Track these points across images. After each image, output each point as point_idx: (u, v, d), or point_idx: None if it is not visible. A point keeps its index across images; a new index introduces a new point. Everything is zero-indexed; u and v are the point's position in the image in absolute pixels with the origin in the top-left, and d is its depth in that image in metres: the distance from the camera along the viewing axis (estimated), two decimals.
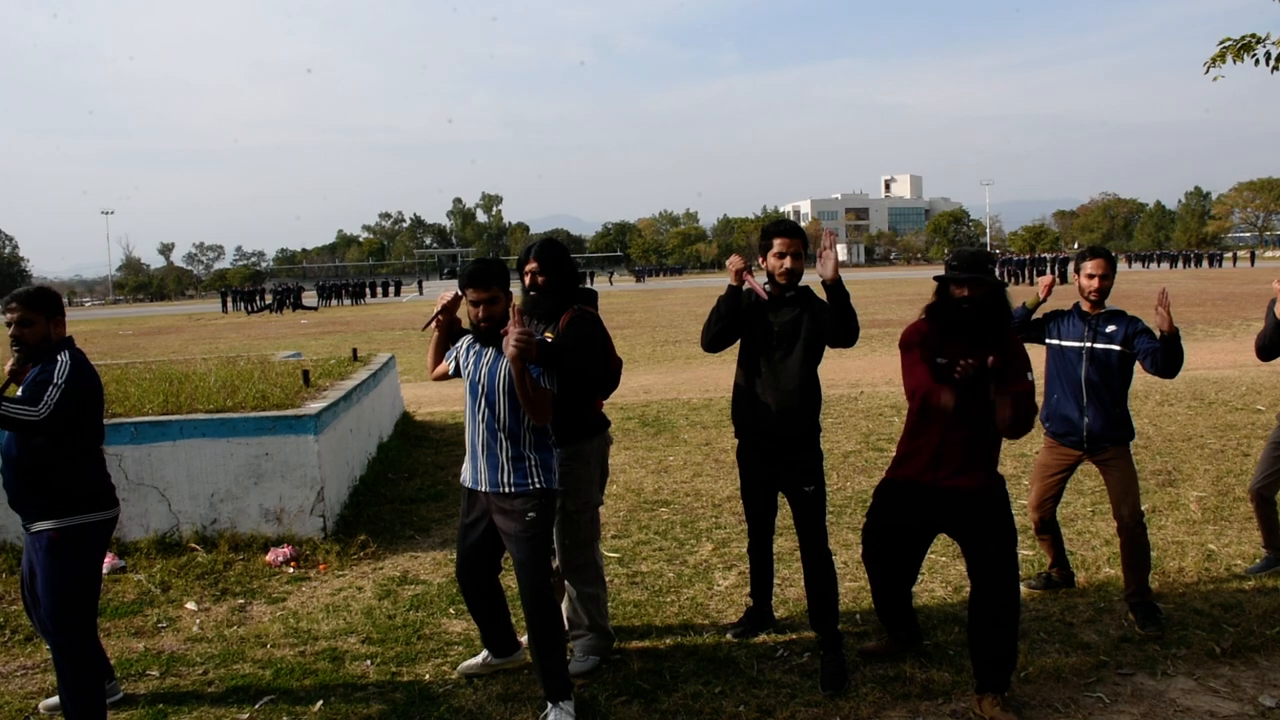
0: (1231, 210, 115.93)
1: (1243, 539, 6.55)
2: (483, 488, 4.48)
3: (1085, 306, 5.37)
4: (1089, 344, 5.29)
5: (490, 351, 4.46)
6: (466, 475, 4.58)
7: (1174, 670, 4.67)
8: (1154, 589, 5.46)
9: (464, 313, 4.62)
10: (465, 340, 4.64)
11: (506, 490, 4.41)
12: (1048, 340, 5.49)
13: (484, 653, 4.94)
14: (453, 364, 4.67)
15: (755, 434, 4.87)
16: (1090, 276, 5.32)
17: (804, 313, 4.74)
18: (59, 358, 4.22)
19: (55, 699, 4.44)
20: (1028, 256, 55.89)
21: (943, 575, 6.05)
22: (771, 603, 5.41)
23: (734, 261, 4.85)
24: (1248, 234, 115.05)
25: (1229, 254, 79.52)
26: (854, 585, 5.94)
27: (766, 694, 4.55)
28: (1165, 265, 73.64)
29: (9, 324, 4.24)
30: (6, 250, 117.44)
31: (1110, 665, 4.74)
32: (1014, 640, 4.28)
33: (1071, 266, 5.69)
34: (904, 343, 4.50)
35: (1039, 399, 4.59)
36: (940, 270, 4.58)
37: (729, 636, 5.21)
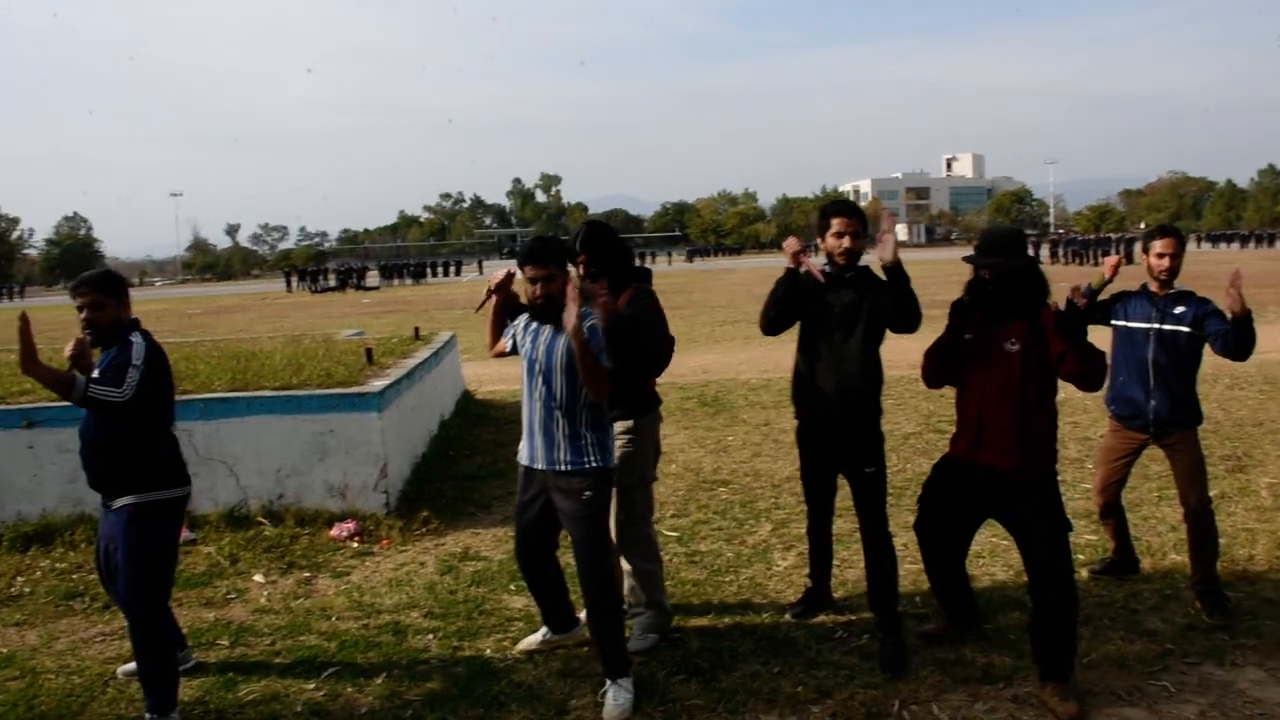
0: None
1: None
2: (539, 466, 4.49)
3: (1153, 287, 5.26)
4: (1157, 325, 5.19)
5: (548, 329, 4.47)
6: (523, 453, 4.59)
7: (1243, 660, 4.58)
8: (1223, 577, 5.36)
9: (521, 290, 4.63)
10: (522, 318, 4.65)
11: (563, 468, 4.43)
12: (1113, 321, 5.39)
13: (543, 629, 4.97)
14: (510, 341, 4.69)
15: (816, 417, 4.84)
16: (1160, 256, 5.20)
17: (865, 294, 4.68)
18: (132, 340, 4.30)
19: (133, 665, 4.58)
20: (1092, 236, 54.71)
21: (1004, 559, 5.99)
22: (830, 584, 5.40)
23: (791, 243, 4.81)
24: None
25: None
26: (914, 568, 5.90)
27: (825, 675, 4.55)
28: (1235, 245, 71.75)
29: (80, 308, 4.30)
30: (82, 232, 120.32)
31: (1176, 654, 4.67)
32: (1071, 629, 4.22)
33: (1139, 246, 5.58)
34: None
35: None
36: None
37: (787, 617, 5.21)
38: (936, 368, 4.60)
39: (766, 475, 8.29)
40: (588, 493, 4.41)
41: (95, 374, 4.24)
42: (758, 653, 4.82)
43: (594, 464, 4.44)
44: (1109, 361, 5.27)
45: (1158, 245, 5.22)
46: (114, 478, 4.31)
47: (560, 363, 4.39)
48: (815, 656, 4.75)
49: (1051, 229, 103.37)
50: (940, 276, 37.31)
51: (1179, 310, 5.17)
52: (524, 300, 4.59)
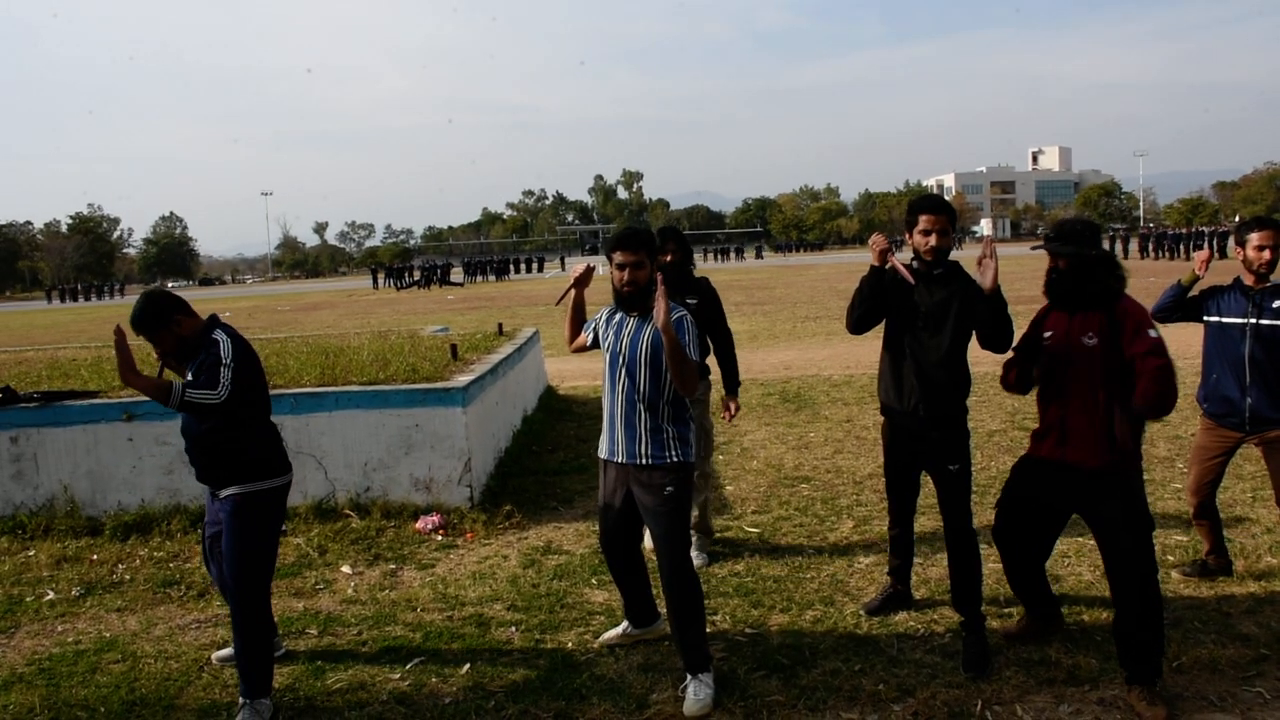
0: None
1: None
2: (620, 459, 4.50)
3: (1249, 280, 5.11)
4: (1253, 320, 5.04)
5: (632, 321, 4.48)
6: (604, 447, 4.60)
7: None
8: None
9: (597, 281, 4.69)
10: (603, 311, 4.66)
11: (644, 462, 4.44)
12: (1206, 318, 5.25)
13: (624, 623, 5.00)
14: (591, 335, 4.70)
15: (901, 414, 4.79)
16: (1259, 249, 5.03)
17: (954, 294, 4.60)
18: (217, 338, 4.39)
19: (228, 650, 4.73)
20: (1183, 230, 53.08)
21: (1090, 559, 5.88)
22: (910, 582, 5.36)
23: (877, 241, 4.73)
24: None
25: None
26: (997, 566, 5.81)
27: (907, 673, 4.52)
28: None
29: (153, 342, 4.47)
30: (177, 232, 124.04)
31: (1271, 659, 4.53)
32: (1157, 631, 4.14)
33: (1232, 240, 5.38)
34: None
35: (1196, 379, 4.47)
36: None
37: (863, 614, 5.19)
38: (1021, 373, 4.55)
39: (848, 472, 8.24)
40: (669, 488, 4.42)
41: (189, 376, 4.34)
42: (839, 650, 4.80)
43: (675, 458, 4.44)
44: (1201, 358, 5.13)
45: (1255, 238, 5.06)
46: (218, 471, 4.43)
47: (645, 355, 4.39)
48: (897, 655, 4.71)
49: (1141, 223, 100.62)
50: (1026, 272, 36.60)
51: (1277, 304, 5.01)
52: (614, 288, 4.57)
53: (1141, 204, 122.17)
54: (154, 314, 4.42)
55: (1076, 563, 5.84)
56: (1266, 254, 5.01)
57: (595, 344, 4.68)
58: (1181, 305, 5.31)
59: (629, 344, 4.44)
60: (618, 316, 4.57)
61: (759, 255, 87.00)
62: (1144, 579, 4.17)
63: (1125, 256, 49.66)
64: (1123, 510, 4.23)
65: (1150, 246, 49.75)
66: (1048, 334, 4.40)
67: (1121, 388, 4.22)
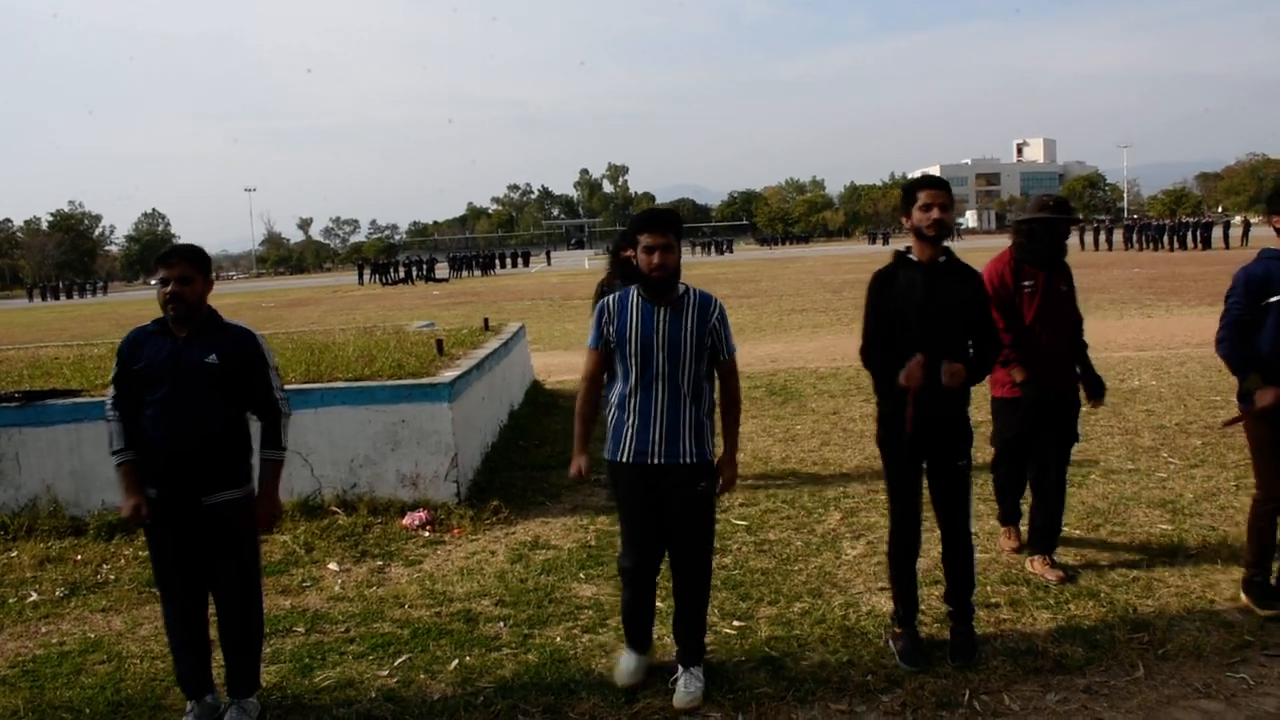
0: None
1: None
2: (658, 460, 4.22)
3: None
4: None
5: (662, 309, 4.21)
6: (629, 450, 4.27)
7: None
8: None
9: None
10: (608, 304, 4.32)
11: (689, 460, 4.23)
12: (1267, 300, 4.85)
13: (635, 655, 4.55)
14: (601, 339, 4.31)
15: (920, 419, 4.48)
16: None
17: (960, 287, 4.51)
18: (253, 332, 4.33)
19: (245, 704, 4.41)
20: (1167, 221, 53.19)
21: (1075, 549, 5.90)
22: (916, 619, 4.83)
23: (912, 379, 4.38)
24: None
25: None
26: (984, 557, 5.85)
27: (895, 664, 4.52)
28: None
29: (166, 281, 4.10)
30: (160, 228, 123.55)
31: (1255, 645, 4.56)
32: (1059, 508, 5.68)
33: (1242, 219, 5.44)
34: None
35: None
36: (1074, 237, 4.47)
37: (900, 662, 4.58)
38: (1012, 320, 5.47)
39: (835, 464, 8.25)
40: (704, 483, 4.30)
41: (213, 359, 4.10)
42: (827, 642, 4.80)
43: (712, 454, 4.33)
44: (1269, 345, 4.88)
45: None
46: (219, 472, 4.17)
47: (690, 344, 4.18)
48: (885, 645, 4.72)
49: (1125, 214, 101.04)
50: None
51: None
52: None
53: (1125, 195, 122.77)
54: (204, 256, 4.26)
55: (1063, 552, 5.86)
56: None
57: (606, 344, 4.31)
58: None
59: (667, 333, 4.17)
60: (639, 304, 4.25)
61: (726, 250, 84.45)
62: (1062, 475, 5.68)
63: (1110, 247, 49.85)
64: (1071, 425, 5.68)
65: (1135, 237, 49.96)
66: (1028, 283, 5.47)
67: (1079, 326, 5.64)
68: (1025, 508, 5.91)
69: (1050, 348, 5.50)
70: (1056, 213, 5.56)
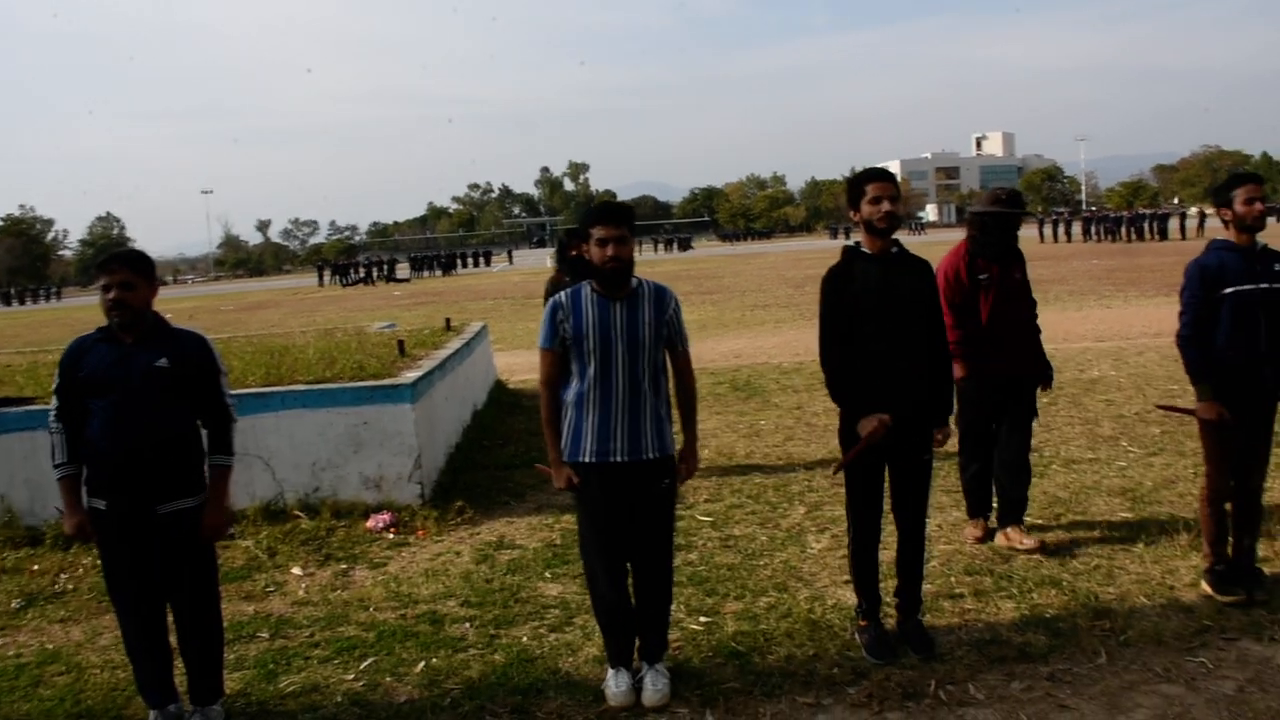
0: None
1: None
2: (621, 458, 4.17)
3: (1241, 239, 4.91)
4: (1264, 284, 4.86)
5: (618, 303, 4.16)
6: (591, 448, 4.20)
7: None
8: (1261, 552, 5.31)
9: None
10: (565, 298, 4.23)
11: (651, 456, 4.20)
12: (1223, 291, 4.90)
13: (623, 673, 4.37)
14: (556, 335, 4.22)
15: (878, 410, 4.42)
16: (1248, 202, 4.81)
17: (916, 278, 4.51)
18: (204, 336, 4.24)
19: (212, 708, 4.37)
20: (1125, 214, 53.78)
21: (1038, 538, 5.96)
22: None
23: (876, 430, 4.41)
24: None
25: None
26: (948, 548, 5.89)
27: (860, 657, 4.54)
28: (1272, 219, 70.30)
29: (108, 288, 4.00)
30: (115, 232, 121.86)
31: (1214, 630, 4.63)
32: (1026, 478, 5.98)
33: (1192, 210, 5.56)
34: None
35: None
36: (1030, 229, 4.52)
37: (867, 655, 4.59)
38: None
39: (799, 458, 8.28)
40: (667, 479, 4.30)
41: (163, 363, 4.02)
42: (793, 635, 4.82)
43: (673, 447, 4.32)
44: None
45: (1242, 192, 4.85)
46: (170, 481, 4.08)
47: (648, 336, 4.15)
48: (850, 639, 4.74)
49: (1084, 206, 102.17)
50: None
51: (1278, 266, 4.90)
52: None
53: (1084, 188, 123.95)
54: (147, 260, 4.16)
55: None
56: (1257, 206, 4.85)
57: (562, 344, 4.23)
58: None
59: (625, 327, 4.13)
60: (594, 299, 4.19)
61: (684, 247, 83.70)
62: (1025, 447, 5.94)
63: (1069, 239, 50.38)
64: (1031, 403, 5.97)
65: (1093, 229, 50.54)
66: (983, 276, 5.72)
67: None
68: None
69: (1009, 334, 5.76)
70: (1008, 206, 5.80)
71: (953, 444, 5.97)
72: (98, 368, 4.03)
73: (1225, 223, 4.94)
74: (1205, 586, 5.02)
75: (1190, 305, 4.91)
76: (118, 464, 4.00)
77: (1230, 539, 5.04)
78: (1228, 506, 5.05)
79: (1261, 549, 5.34)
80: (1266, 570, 5.16)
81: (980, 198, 6.07)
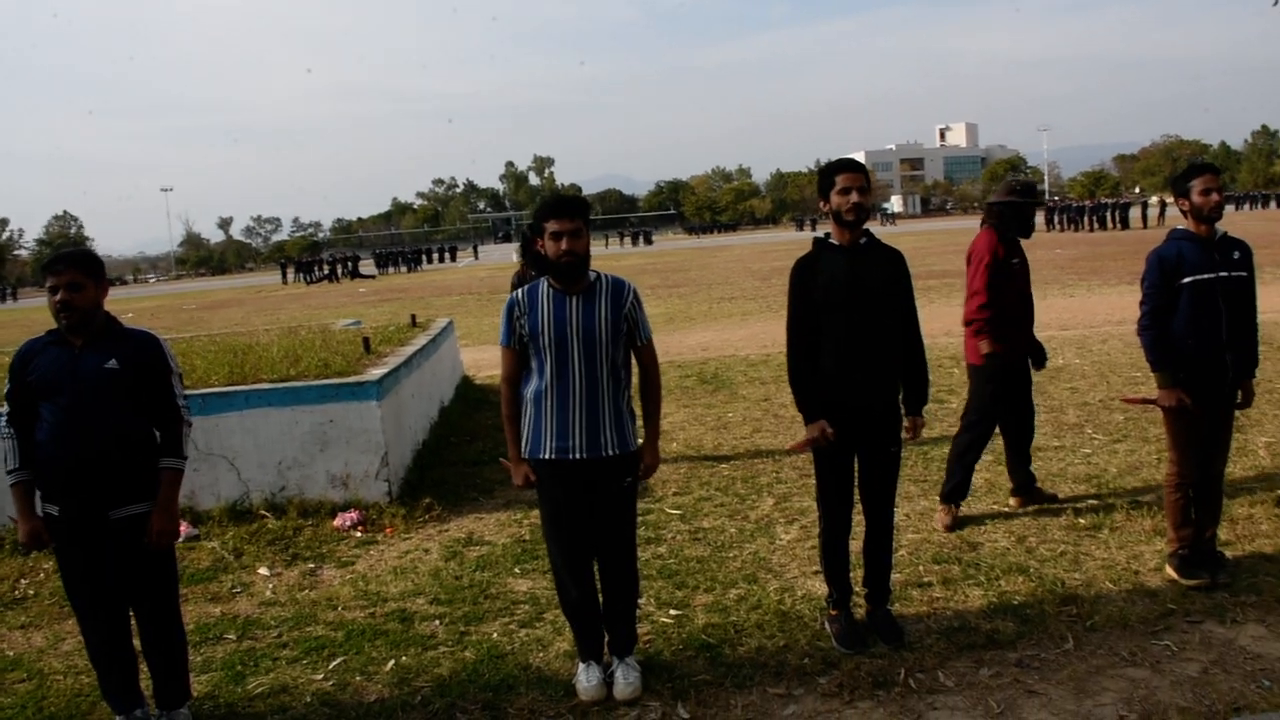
0: None
1: None
2: (580, 455, 4.14)
3: (1200, 229, 4.96)
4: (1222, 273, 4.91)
5: (573, 298, 4.12)
6: (550, 445, 4.17)
7: (1243, 618, 4.60)
8: (1223, 536, 5.38)
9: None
10: (522, 295, 4.21)
11: (611, 452, 4.17)
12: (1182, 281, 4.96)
13: (591, 666, 4.38)
14: (514, 333, 4.19)
15: (845, 403, 4.46)
16: (1205, 192, 4.87)
17: (887, 267, 4.51)
18: (157, 337, 4.16)
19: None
20: (1087, 203, 54.31)
21: (1005, 526, 6.01)
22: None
23: (816, 439, 4.48)
24: None
25: None
26: (916, 537, 5.93)
27: (830, 647, 4.56)
28: (1231, 207, 71.31)
29: (55, 289, 3.93)
30: (72, 231, 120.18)
31: (1178, 613, 4.69)
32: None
33: (1152, 201, 5.73)
34: None
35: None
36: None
37: (839, 646, 4.59)
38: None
39: (767, 450, 8.30)
40: (629, 477, 4.27)
41: (113, 364, 3.95)
42: (763, 626, 4.83)
43: (635, 445, 4.28)
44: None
45: (1199, 183, 4.89)
46: (124, 485, 4.02)
47: (605, 332, 4.11)
48: (821, 629, 4.76)
49: (1046, 196, 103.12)
50: (935, 247, 37.24)
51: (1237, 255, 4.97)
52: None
53: (1046, 178, 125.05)
54: (95, 260, 4.08)
55: (993, 530, 5.97)
56: (1214, 196, 4.90)
57: (521, 341, 4.21)
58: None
59: (581, 322, 4.09)
60: (550, 294, 4.16)
61: (645, 241, 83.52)
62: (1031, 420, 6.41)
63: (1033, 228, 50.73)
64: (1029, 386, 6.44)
65: (1056, 219, 50.99)
66: (1015, 260, 6.19)
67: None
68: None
69: (1023, 316, 6.29)
70: (1022, 196, 6.26)
71: (932, 430, 6.01)
72: (47, 371, 3.96)
73: (1183, 212, 5.00)
74: (1170, 571, 5.08)
75: (1150, 295, 4.97)
76: (69, 469, 3.94)
77: (1193, 524, 5.11)
78: (1191, 492, 5.12)
79: (1223, 533, 5.43)
80: (1229, 554, 5.23)
81: (998, 189, 6.47)
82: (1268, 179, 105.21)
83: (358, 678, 4.63)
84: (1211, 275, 4.86)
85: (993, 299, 6.03)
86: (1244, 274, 4.94)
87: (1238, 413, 5.16)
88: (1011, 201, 6.21)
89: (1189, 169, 5.03)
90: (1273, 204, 71.01)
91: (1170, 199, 5.11)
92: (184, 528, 6.68)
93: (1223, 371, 4.93)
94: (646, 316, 4.35)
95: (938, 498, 6.27)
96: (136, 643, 4.25)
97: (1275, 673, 4.09)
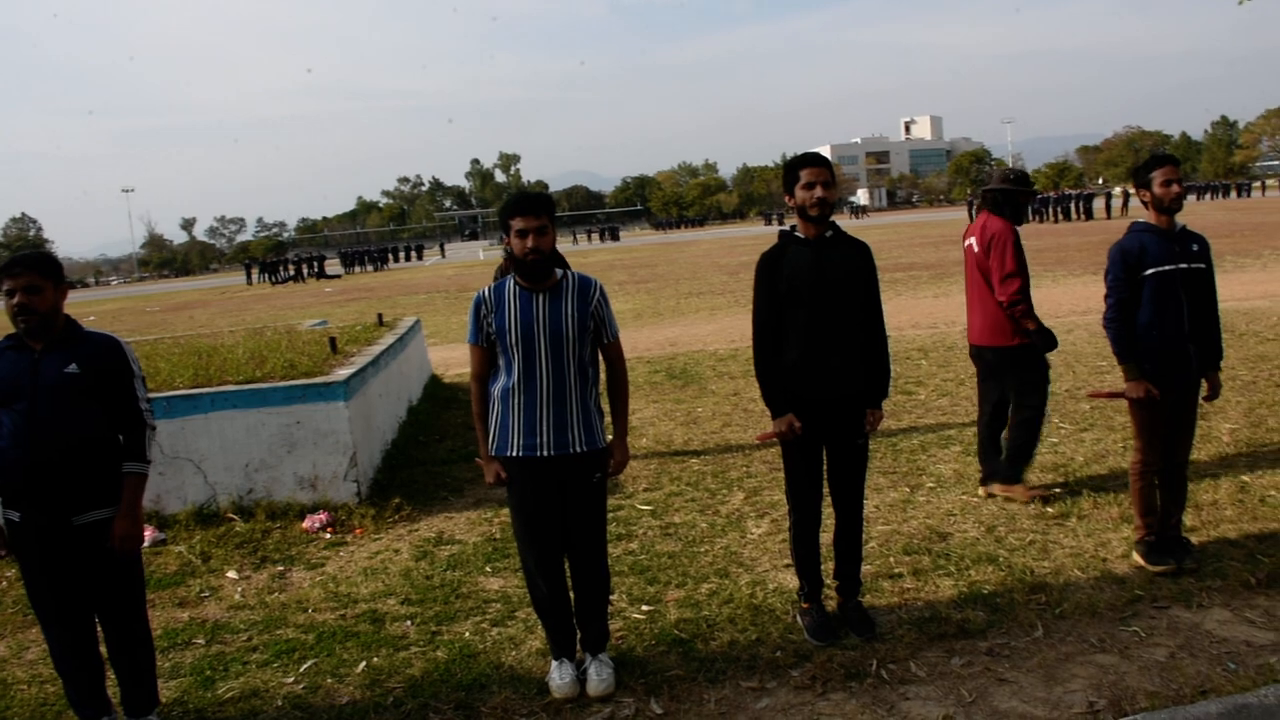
0: (1259, 139, 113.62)
1: (1276, 470, 6.50)
2: (547, 452, 4.14)
3: (1161, 221, 5.02)
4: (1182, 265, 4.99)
5: (540, 295, 4.12)
6: (518, 443, 4.17)
7: (1209, 602, 4.66)
8: (1188, 522, 5.45)
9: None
10: (489, 292, 4.20)
11: (579, 449, 4.17)
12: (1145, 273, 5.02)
13: (567, 664, 4.38)
14: (482, 331, 4.19)
15: (814, 397, 4.48)
16: (1166, 184, 4.93)
17: (854, 259, 4.51)
18: (119, 340, 4.09)
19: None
20: (1052, 194, 54.82)
21: (974, 515, 6.05)
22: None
23: (784, 433, 4.51)
24: (1276, 162, 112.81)
25: (1257, 183, 77.62)
26: (886, 529, 5.95)
27: (802, 640, 4.57)
28: (1192, 197, 72.01)
29: (11, 293, 3.88)
30: (31, 234, 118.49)
31: (1145, 599, 4.74)
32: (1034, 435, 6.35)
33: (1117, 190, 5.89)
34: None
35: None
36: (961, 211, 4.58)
37: (810, 637, 4.63)
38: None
39: (737, 445, 8.32)
40: (599, 474, 4.27)
41: (72, 369, 3.90)
42: (735, 621, 4.84)
43: (604, 442, 4.28)
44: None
45: (1160, 174, 4.96)
46: (87, 491, 3.96)
47: (572, 329, 4.10)
48: (792, 622, 4.77)
49: None
50: (902, 240, 37.47)
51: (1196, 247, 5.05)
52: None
53: None
54: (53, 262, 4.00)
55: (962, 520, 6.00)
56: (1175, 188, 4.95)
57: (488, 340, 4.20)
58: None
59: (548, 319, 4.09)
60: (517, 292, 4.15)
61: (611, 237, 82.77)
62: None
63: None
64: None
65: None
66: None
67: None
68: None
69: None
70: (1016, 185, 6.45)
71: (900, 422, 6.03)
72: (6, 376, 3.90)
73: (1145, 204, 5.07)
74: (1136, 557, 5.13)
75: (1114, 288, 5.04)
76: (30, 474, 3.87)
77: (1159, 511, 5.17)
78: (1156, 480, 5.18)
79: (1189, 519, 5.49)
80: (1194, 539, 5.29)
81: (994, 177, 6.62)
82: (1228, 169, 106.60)
83: (329, 680, 4.60)
84: (1173, 267, 4.93)
85: (1026, 277, 6.22)
86: (1203, 266, 5.03)
87: (1203, 401, 5.22)
88: (1005, 189, 6.40)
89: (1149, 161, 5.09)
90: (1233, 193, 71.85)
91: (1133, 189, 5.18)
92: (150, 532, 6.61)
93: (1186, 362, 5.00)
94: (613, 314, 4.34)
95: (996, 483, 6.39)
96: (103, 649, 4.20)
97: (1240, 656, 4.14)
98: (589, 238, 79.38)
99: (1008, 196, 6.40)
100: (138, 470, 4.07)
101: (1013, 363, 6.26)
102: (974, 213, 51.11)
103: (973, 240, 6.43)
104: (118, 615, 4.11)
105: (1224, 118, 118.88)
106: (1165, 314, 4.95)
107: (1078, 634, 4.44)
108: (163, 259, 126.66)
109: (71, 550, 3.97)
